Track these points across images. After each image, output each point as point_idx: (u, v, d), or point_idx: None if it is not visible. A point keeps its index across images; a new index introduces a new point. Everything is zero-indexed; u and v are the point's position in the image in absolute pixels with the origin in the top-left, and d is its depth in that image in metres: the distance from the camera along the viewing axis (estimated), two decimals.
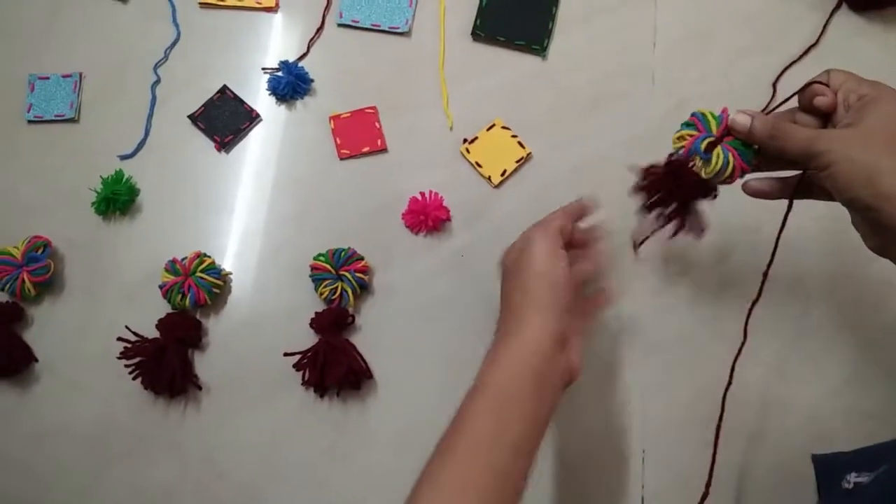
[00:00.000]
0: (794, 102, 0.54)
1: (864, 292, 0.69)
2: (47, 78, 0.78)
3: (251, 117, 0.77)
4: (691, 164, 0.54)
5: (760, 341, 0.68)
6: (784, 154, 0.50)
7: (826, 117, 0.51)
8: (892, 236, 0.46)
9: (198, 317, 0.71)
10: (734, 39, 0.76)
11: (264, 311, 0.72)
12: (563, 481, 0.67)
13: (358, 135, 0.76)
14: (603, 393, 0.68)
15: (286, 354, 0.68)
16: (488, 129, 0.75)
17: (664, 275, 0.71)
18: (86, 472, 0.70)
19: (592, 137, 0.75)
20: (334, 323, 0.69)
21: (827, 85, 0.51)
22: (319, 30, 0.79)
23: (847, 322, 0.69)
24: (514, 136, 0.74)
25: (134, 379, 0.69)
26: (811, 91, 0.51)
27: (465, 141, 0.74)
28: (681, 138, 0.55)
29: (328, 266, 0.70)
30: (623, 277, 0.71)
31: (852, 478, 0.58)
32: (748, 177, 0.55)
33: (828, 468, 0.63)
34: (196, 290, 0.69)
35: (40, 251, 0.72)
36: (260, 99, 0.77)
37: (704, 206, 0.57)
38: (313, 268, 0.70)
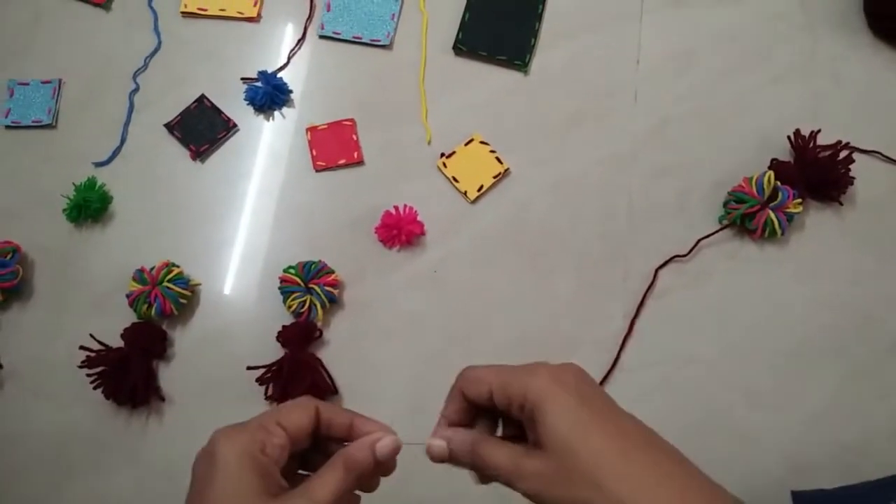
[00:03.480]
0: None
1: (844, 321, 0.67)
2: (27, 84, 0.78)
3: (228, 127, 0.76)
4: None
5: (733, 366, 0.66)
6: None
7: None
8: None
9: (164, 327, 0.70)
10: (719, 59, 0.75)
11: (232, 323, 0.71)
12: None
13: (335, 147, 0.75)
14: None
15: (249, 368, 0.67)
16: (466, 144, 0.73)
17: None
18: (46, 480, 0.68)
19: (572, 154, 0.73)
20: (301, 337, 0.68)
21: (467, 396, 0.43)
22: (300, 41, 0.78)
23: (827, 350, 0.67)
24: (492, 152, 0.73)
25: (95, 388, 0.67)
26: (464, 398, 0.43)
27: (442, 155, 0.73)
28: None
29: (297, 279, 0.68)
30: (607, 304, 0.69)
31: None
32: None
33: None
34: (162, 300, 0.68)
35: (9, 257, 0.71)
36: (238, 109, 0.77)
37: None
38: (282, 280, 0.69)
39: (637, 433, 0.40)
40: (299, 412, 0.42)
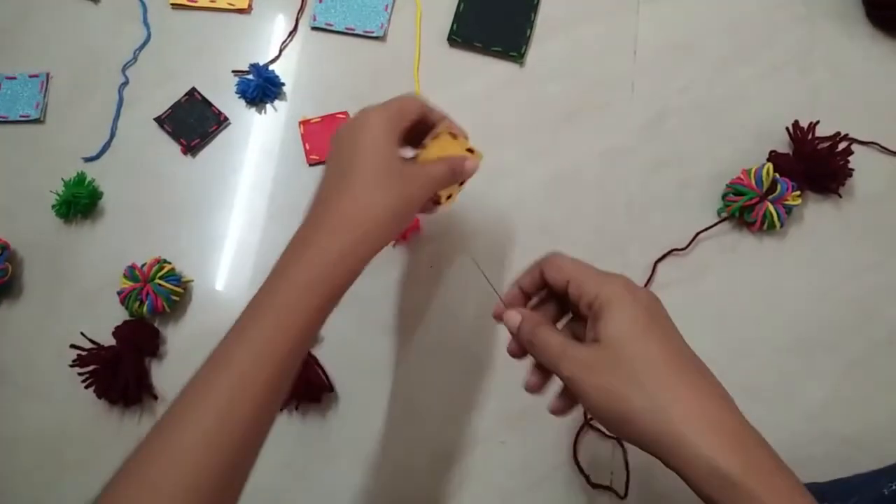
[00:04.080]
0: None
1: (843, 313, 0.67)
2: (14, 77, 0.77)
3: (219, 120, 0.75)
4: None
5: (732, 360, 0.66)
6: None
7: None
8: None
9: (156, 325, 0.69)
10: (716, 49, 0.74)
11: (225, 320, 0.68)
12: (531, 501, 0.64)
13: (328, 140, 0.73)
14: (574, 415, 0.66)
15: None
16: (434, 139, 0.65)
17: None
18: (37, 481, 0.67)
19: (569, 147, 0.73)
20: None
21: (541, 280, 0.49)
22: (292, 33, 0.77)
23: (826, 343, 0.66)
24: (455, 138, 0.63)
25: (87, 387, 0.66)
26: (541, 275, 0.48)
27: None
28: None
29: None
30: None
31: None
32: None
33: None
34: (154, 298, 0.67)
35: None
36: (229, 102, 0.75)
37: None
38: None
39: (691, 358, 0.42)
40: (418, 104, 0.53)
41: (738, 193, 0.67)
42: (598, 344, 0.42)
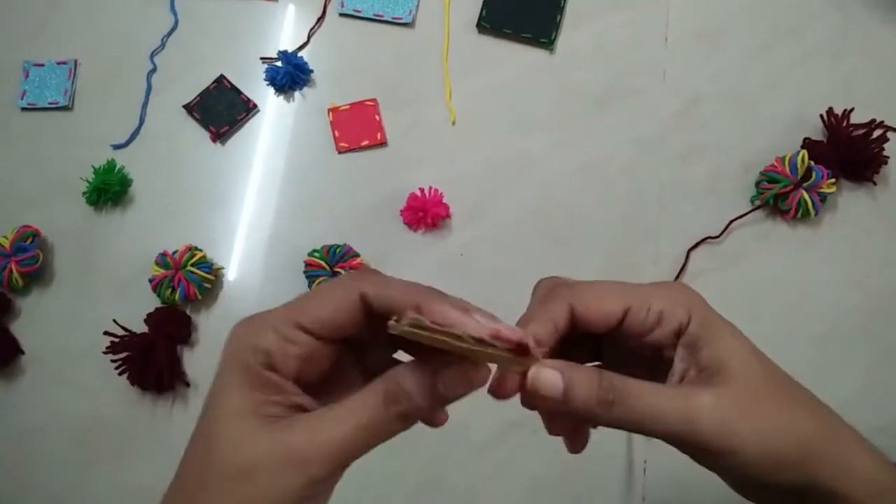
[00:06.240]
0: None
1: (877, 302, 0.66)
2: (42, 65, 0.77)
3: (248, 108, 0.74)
4: None
5: (764, 349, 0.65)
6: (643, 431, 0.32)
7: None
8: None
9: (188, 312, 0.69)
10: (749, 36, 0.73)
11: (256, 308, 0.68)
12: (565, 491, 0.64)
13: (357, 128, 0.73)
14: None
15: None
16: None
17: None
18: (70, 468, 0.68)
19: (599, 135, 0.72)
20: None
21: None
22: (320, 19, 0.77)
23: (859, 333, 0.66)
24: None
25: (120, 374, 0.67)
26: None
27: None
28: None
29: (323, 263, 0.67)
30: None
31: None
32: None
33: None
34: (186, 285, 0.67)
35: (29, 241, 0.70)
36: (258, 89, 0.75)
37: None
38: (307, 264, 0.68)
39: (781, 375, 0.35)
40: (332, 303, 0.31)
41: (772, 181, 0.67)
42: (718, 381, 0.32)
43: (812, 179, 0.66)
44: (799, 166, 0.66)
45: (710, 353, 0.32)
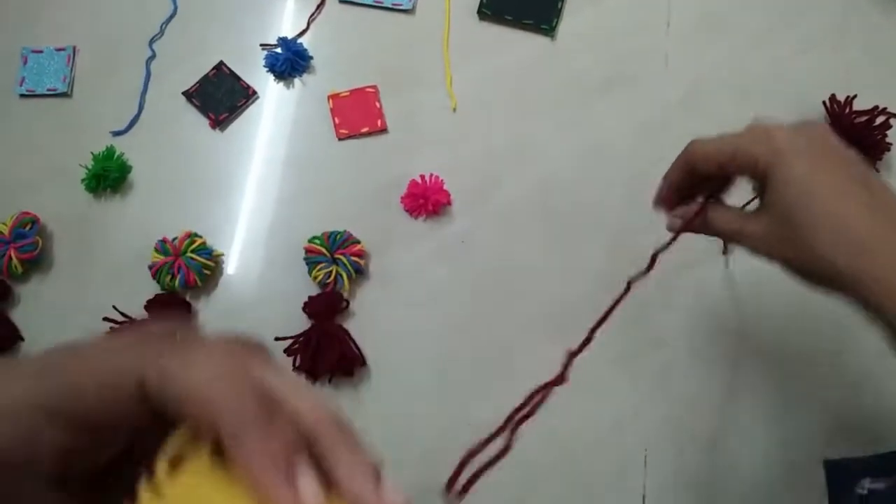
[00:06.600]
0: None
1: None
2: (41, 51, 0.76)
3: (248, 95, 0.74)
4: None
5: (770, 333, 0.65)
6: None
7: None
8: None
9: (188, 298, 0.69)
10: (751, 22, 0.73)
11: (256, 294, 0.70)
12: (565, 479, 0.64)
13: (357, 114, 0.73)
14: (605, 391, 0.65)
15: (277, 339, 0.66)
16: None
17: (672, 269, 0.68)
18: None
19: (601, 122, 0.72)
20: (328, 308, 0.67)
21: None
22: (320, 6, 0.76)
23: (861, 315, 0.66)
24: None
25: None
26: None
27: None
28: None
29: (323, 249, 0.67)
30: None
31: (867, 484, 0.55)
32: None
33: (841, 474, 0.60)
34: (186, 271, 0.67)
35: (28, 228, 0.70)
36: (257, 76, 0.75)
37: None
38: (308, 250, 0.68)
39: (869, 188, 0.40)
40: (93, 389, 0.24)
41: None
42: (767, 214, 0.42)
43: None
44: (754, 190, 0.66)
45: (767, 193, 0.42)
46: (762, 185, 0.43)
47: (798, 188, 0.40)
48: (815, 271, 0.41)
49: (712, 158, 0.45)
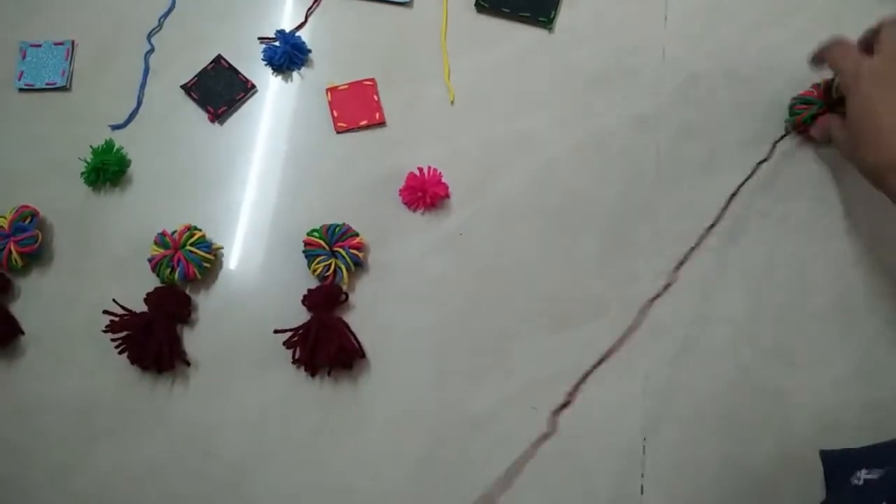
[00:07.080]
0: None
1: (872, 277, 0.66)
2: (39, 45, 0.76)
3: (246, 88, 0.74)
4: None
5: (765, 325, 0.66)
6: None
7: None
8: None
9: (187, 291, 0.69)
10: (747, 13, 0.73)
11: (255, 287, 0.70)
12: (563, 468, 0.64)
13: (355, 107, 0.73)
14: (606, 379, 0.66)
15: (276, 331, 0.66)
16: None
17: (671, 261, 0.68)
18: (70, 448, 0.68)
19: (599, 113, 0.72)
20: (327, 300, 0.67)
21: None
22: None
23: (856, 307, 0.66)
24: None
25: (120, 353, 0.67)
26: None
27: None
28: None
29: (322, 242, 0.67)
30: (635, 264, 0.68)
31: (862, 474, 0.56)
32: None
33: (837, 465, 0.60)
34: (185, 264, 0.67)
35: (28, 221, 0.70)
36: (256, 69, 0.75)
37: None
38: (306, 243, 0.68)
39: None
40: None
41: (807, 103, 0.68)
42: (850, 121, 0.58)
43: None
44: (833, 92, 0.66)
45: (848, 104, 0.59)
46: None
47: (863, 109, 0.56)
48: (875, 173, 0.56)
49: (822, 59, 0.63)
